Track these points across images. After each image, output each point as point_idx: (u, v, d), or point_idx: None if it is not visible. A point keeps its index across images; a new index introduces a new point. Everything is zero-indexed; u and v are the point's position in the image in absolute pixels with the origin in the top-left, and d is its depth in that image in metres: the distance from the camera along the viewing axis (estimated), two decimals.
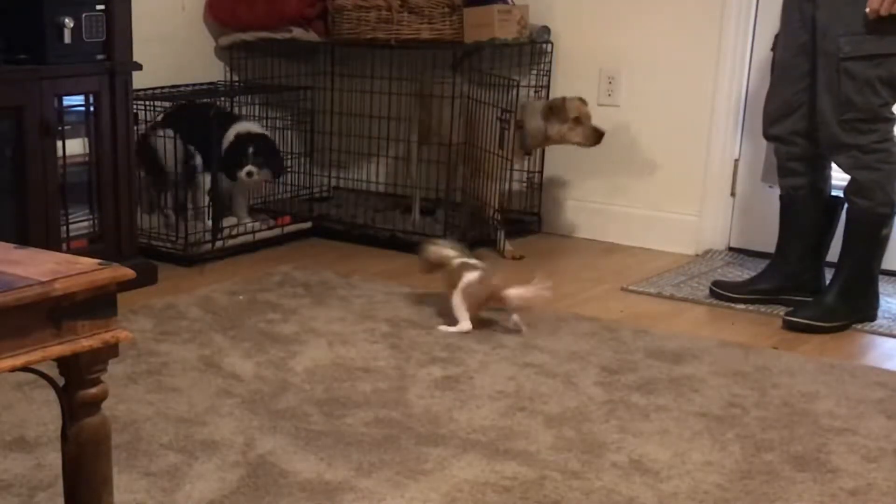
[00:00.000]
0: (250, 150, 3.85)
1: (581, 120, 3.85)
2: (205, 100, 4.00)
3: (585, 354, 2.96)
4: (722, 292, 3.50)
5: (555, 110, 3.88)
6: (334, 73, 4.38)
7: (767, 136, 3.45)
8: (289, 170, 4.29)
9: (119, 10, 3.34)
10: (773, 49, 3.40)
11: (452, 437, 2.41)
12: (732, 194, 4.07)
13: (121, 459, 2.22)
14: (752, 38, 3.93)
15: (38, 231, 3.21)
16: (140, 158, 3.73)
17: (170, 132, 3.81)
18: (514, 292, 3.08)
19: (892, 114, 3.17)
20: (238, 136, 3.87)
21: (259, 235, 3.99)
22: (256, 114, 4.24)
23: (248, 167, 3.85)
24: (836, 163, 3.28)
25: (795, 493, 2.21)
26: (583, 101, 3.88)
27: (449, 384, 2.72)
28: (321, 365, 2.83)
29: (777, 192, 3.49)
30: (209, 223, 3.86)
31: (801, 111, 3.29)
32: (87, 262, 1.54)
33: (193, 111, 3.90)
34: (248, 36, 4.21)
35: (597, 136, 3.85)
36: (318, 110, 4.39)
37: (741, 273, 3.77)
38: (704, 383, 2.78)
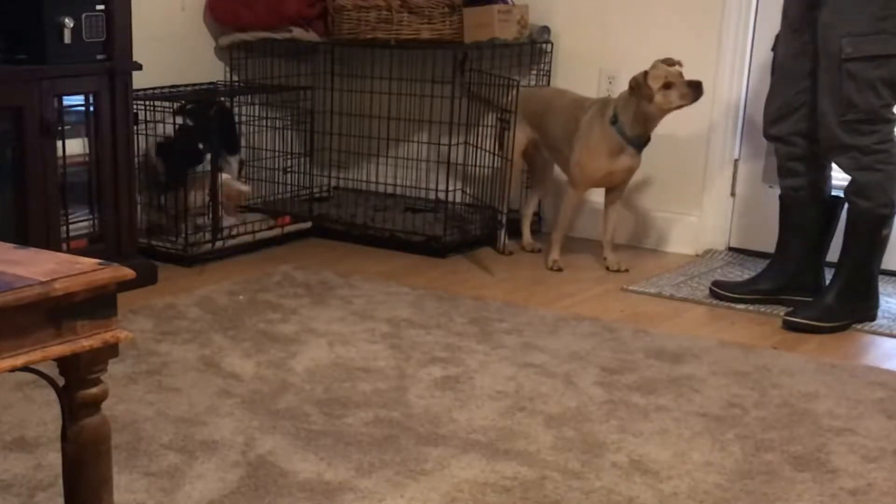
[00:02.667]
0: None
1: (671, 82, 3.55)
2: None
3: (585, 354, 2.96)
4: (722, 292, 3.50)
5: (637, 88, 3.58)
6: (334, 73, 4.39)
7: (768, 137, 3.45)
8: (289, 170, 4.30)
9: (119, 10, 3.34)
10: (774, 49, 3.40)
11: (452, 437, 2.41)
12: (732, 194, 4.07)
13: (121, 459, 2.22)
14: (752, 38, 3.93)
15: (38, 231, 3.21)
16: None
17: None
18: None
19: (894, 115, 3.17)
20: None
21: (259, 235, 3.99)
22: (256, 114, 4.24)
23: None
24: (836, 163, 3.28)
25: (795, 493, 2.21)
26: (668, 62, 3.59)
27: (449, 384, 2.72)
28: (321, 365, 2.83)
29: (777, 192, 3.49)
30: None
31: (802, 112, 3.29)
32: (87, 262, 1.54)
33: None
34: (248, 36, 4.21)
35: (696, 90, 3.54)
36: (318, 110, 4.39)
37: (741, 273, 3.77)
38: (704, 383, 2.78)
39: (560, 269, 3.79)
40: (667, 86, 3.56)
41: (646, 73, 3.57)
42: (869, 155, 3.15)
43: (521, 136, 3.94)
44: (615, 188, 3.82)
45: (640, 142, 3.69)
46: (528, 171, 4.16)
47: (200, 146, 3.78)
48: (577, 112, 3.78)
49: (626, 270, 3.81)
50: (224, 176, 3.91)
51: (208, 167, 3.80)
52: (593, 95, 4.04)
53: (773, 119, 3.38)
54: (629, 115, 3.63)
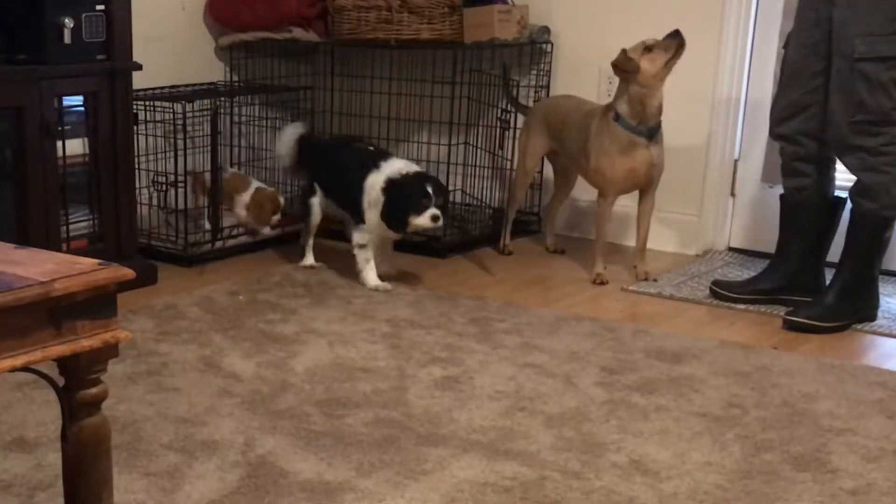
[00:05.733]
0: (429, 188, 3.44)
1: (650, 45, 3.49)
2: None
3: (585, 354, 2.96)
4: (722, 292, 3.50)
5: (622, 66, 3.51)
6: (334, 73, 4.39)
7: (774, 135, 3.45)
8: None
9: (119, 10, 3.34)
10: (785, 48, 3.39)
11: (452, 437, 2.41)
12: (732, 194, 4.07)
13: (121, 459, 2.22)
14: (752, 38, 3.93)
15: (38, 231, 3.21)
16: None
17: None
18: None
19: None
20: (411, 175, 3.48)
21: (259, 235, 3.99)
22: (256, 114, 4.24)
23: (433, 210, 3.42)
24: (843, 163, 3.28)
25: (795, 493, 2.21)
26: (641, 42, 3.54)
27: (449, 384, 2.72)
28: (321, 365, 2.83)
29: (777, 192, 3.49)
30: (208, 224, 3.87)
31: (810, 111, 3.28)
32: (87, 262, 1.54)
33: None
34: (248, 36, 4.21)
35: (675, 37, 3.47)
36: (318, 110, 4.39)
37: (741, 273, 3.77)
38: (704, 383, 2.78)
39: (604, 283, 3.67)
40: (647, 49, 3.49)
41: (624, 50, 3.51)
42: (876, 156, 3.15)
43: (539, 146, 3.91)
44: (646, 191, 3.70)
45: (647, 130, 3.57)
46: (553, 174, 4.12)
47: (429, 189, 3.43)
48: (587, 121, 3.73)
49: (656, 280, 3.71)
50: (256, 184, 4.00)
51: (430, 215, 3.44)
52: (593, 95, 4.05)
53: (780, 118, 3.37)
54: (625, 104, 3.56)
